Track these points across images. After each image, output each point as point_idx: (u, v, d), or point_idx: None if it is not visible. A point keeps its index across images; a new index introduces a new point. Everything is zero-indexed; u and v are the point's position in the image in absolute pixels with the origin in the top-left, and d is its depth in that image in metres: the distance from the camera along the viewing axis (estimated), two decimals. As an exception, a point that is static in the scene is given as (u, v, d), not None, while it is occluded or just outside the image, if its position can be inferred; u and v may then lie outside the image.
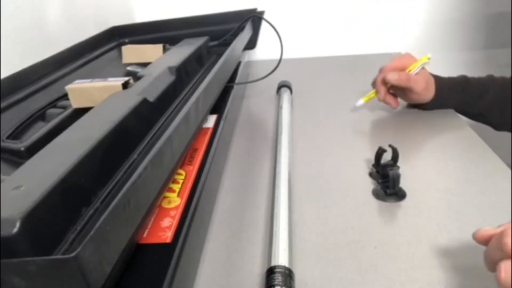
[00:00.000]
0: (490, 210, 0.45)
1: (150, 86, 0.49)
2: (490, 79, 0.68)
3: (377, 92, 0.68)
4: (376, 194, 0.49)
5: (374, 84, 0.70)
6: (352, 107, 0.73)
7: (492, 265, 0.31)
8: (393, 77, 0.64)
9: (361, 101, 0.71)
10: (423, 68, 0.66)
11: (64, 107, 0.53)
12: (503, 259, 0.30)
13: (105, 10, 0.94)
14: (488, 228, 0.33)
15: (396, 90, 0.70)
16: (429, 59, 0.66)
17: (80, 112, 0.48)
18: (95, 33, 0.80)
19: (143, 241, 0.35)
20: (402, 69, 0.66)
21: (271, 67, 0.70)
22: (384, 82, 0.67)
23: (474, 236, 0.34)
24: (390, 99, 0.69)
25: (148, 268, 0.32)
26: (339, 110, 0.74)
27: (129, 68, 0.72)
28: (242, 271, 0.40)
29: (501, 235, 0.30)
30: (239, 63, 0.78)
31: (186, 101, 0.42)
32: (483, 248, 0.33)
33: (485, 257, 0.32)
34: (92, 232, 0.21)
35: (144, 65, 0.65)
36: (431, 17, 1.08)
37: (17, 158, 0.42)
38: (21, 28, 0.65)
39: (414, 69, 0.65)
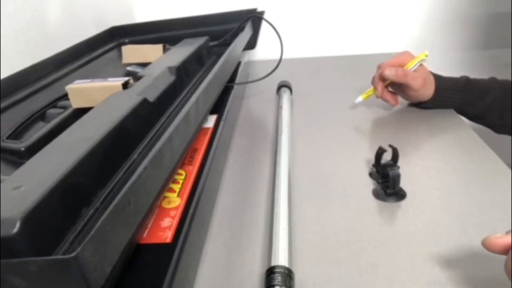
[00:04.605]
0: (490, 210, 0.45)
1: (150, 86, 0.49)
2: (492, 81, 0.68)
3: (374, 89, 0.69)
4: (376, 194, 0.49)
5: (373, 83, 0.70)
6: (351, 104, 0.74)
7: None
8: (390, 73, 0.64)
9: (359, 98, 0.71)
10: (421, 65, 0.66)
11: (64, 107, 0.53)
12: None
13: (105, 10, 0.94)
14: (498, 235, 0.32)
15: (394, 88, 0.70)
16: (426, 56, 0.66)
17: (80, 112, 0.48)
18: (95, 33, 0.80)
19: (143, 241, 0.35)
20: (400, 66, 0.66)
21: (271, 67, 0.70)
22: (382, 79, 0.67)
23: (484, 244, 0.32)
24: (388, 96, 0.69)
25: (148, 268, 0.32)
26: (339, 110, 0.74)
27: (129, 68, 0.72)
28: (242, 271, 0.40)
29: None
30: (239, 63, 0.78)
31: (186, 101, 0.42)
32: (482, 247, 0.32)
33: (507, 266, 0.31)
34: (92, 232, 0.21)
35: (144, 65, 0.65)
36: (431, 17, 1.08)
37: (17, 158, 0.42)
38: (21, 28, 0.65)
39: (412, 66, 0.65)
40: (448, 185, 0.51)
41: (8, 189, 0.27)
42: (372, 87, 0.70)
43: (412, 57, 0.67)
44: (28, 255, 0.23)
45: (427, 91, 0.67)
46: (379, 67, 0.68)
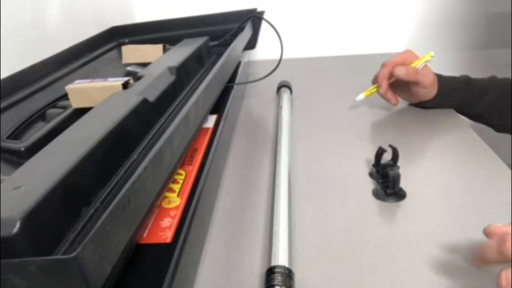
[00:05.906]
0: (490, 210, 0.45)
1: (150, 86, 0.49)
2: (492, 80, 0.68)
3: (378, 87, 0.68)
4: (376, 194, 0.49)
5: (374, 81, 0.70)
6: (352, 102, 0.73)
7: (482, 262, 0.31)
8: (401, 72, 0.64)
9: (361, 96, 0.71)
10: (425, 65, 0.66)
11: (64, 107, 0.53)
12: (502, 265, 0.30)
13: (105, 10, 0.94)
14: (499, 225, 0.33)
15: (397, 88, 0.70)
16: (432, 56, 0.66)
17: (80, 112, 0.48)
18: (95, 33, 0.80)
19: (143, 241, 0.35)
20: (405, 65, 0.66)
21: (271, 67, 0.70)
22: (388, 77, 0.66)
23: (486, 232, 0.33)
24: (391, 95, 0.69)
25: (148, 268, 0.32)
26: (339, 110, 0.74)
27: (129, 68, 0.72)
28: (242, 271, 0.40)
29: (504, 238, 0.30)
30: (239, 63, 0.78)
31: (186, 101, 0.42)
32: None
33: (479, 251, 0.32)
34: (92, 232, 0.21)
35: (144, 65, 0.65)
36: (431, 17, 1.08)
37: (17, 158, 0.42)
38: (21, 28, 0.65)
39: (418, 65, 0.65)
40: (448, 185, 0.51)
41: (8, 189, 0.27)
42: (374, 86, 0.70)
43: (414, 55, 0.67)
44: (28, 255, 0.23)
45: (434, 89, 0.67)
46: (383, 65, 0.68)
